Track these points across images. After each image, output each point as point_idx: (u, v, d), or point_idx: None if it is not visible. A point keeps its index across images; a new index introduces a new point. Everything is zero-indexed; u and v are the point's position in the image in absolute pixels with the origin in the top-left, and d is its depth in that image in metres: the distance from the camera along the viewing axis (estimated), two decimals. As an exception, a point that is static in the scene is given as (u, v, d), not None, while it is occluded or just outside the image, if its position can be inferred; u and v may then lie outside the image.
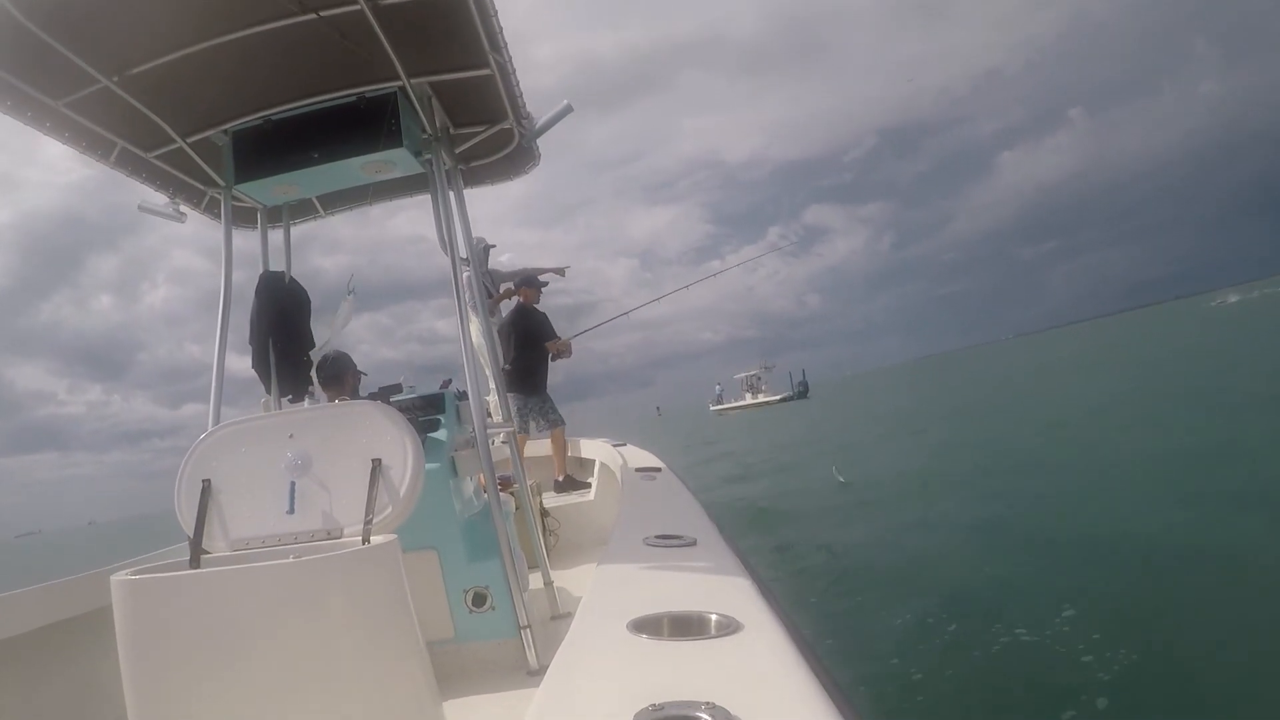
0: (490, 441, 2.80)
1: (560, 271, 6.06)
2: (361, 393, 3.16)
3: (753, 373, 69.97)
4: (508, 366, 5.39)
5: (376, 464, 2.01)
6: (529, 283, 5.78)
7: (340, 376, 3.10)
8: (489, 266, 5.84)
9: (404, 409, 2.37)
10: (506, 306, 5.89)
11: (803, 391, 62.22)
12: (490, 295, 5.66)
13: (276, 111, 2.81)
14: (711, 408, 71.42)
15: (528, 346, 5.59)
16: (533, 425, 5.64)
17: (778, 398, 61.34)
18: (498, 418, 4.41)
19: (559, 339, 5.80)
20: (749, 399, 66.09)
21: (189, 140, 2.89)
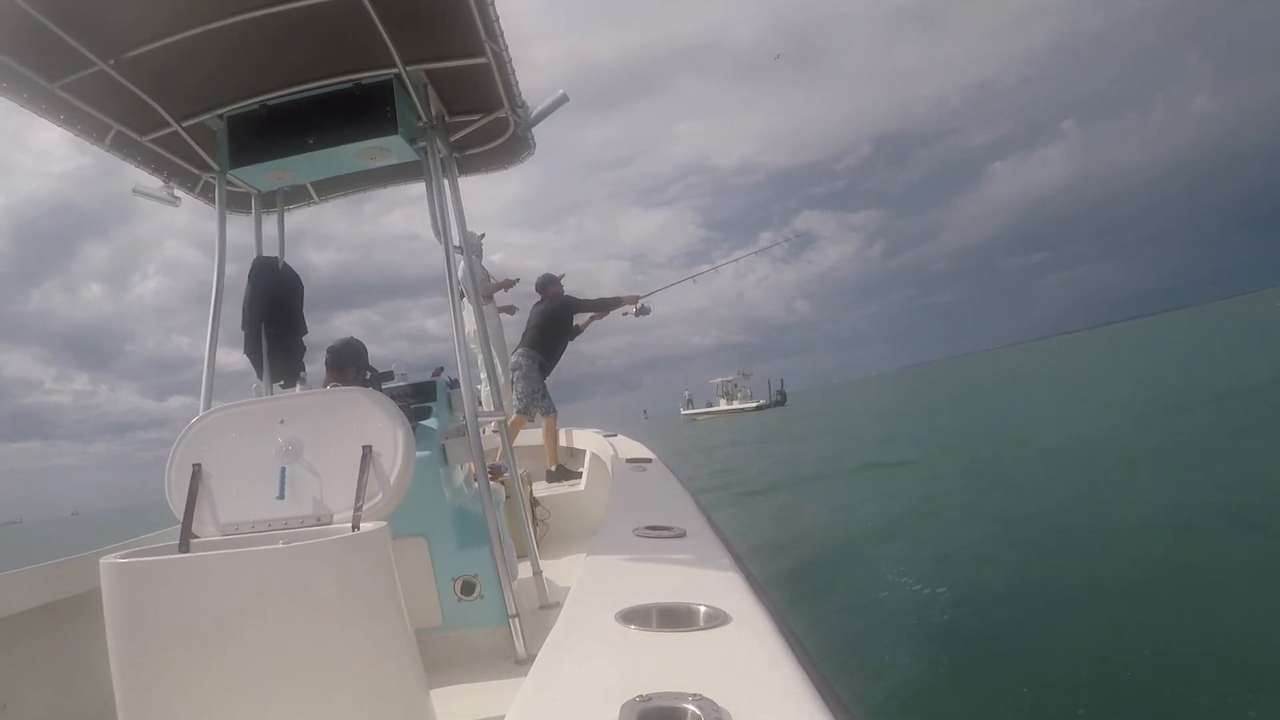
0: (481, 430, 2.80)
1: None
2: None
3: (729, 378, 69.23)
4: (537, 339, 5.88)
5: (367, 451, 2.01)
6: (552, 280, 6.10)
7: (342, 366, 3.03)
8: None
9: (395, 396, 2.37)
10: (502, 298, 6.01)
11: (780, 400, 61.87)
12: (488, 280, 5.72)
13: (272, 97, 2.80)
14: (682, 412, 71.14)
15: (552, 327, 5.95)
16: (535, 409, 5.79)
17: (753, 405, 60.79)
18: (489, 406, 4.41)
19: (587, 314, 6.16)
20: (723, 405, 65.44)
21: (184, 124, 2.87)
